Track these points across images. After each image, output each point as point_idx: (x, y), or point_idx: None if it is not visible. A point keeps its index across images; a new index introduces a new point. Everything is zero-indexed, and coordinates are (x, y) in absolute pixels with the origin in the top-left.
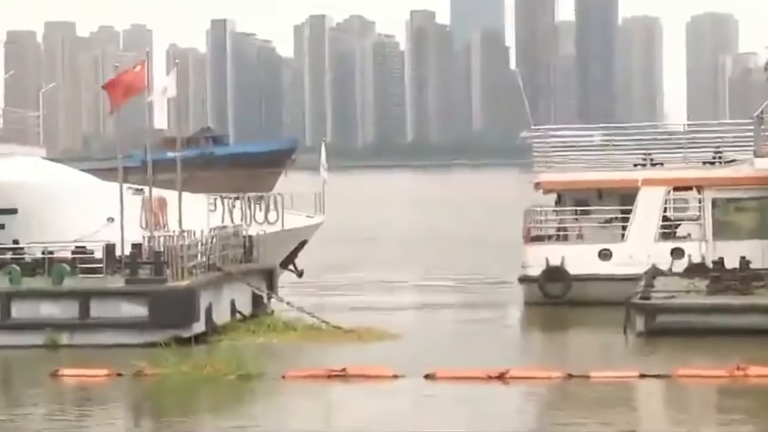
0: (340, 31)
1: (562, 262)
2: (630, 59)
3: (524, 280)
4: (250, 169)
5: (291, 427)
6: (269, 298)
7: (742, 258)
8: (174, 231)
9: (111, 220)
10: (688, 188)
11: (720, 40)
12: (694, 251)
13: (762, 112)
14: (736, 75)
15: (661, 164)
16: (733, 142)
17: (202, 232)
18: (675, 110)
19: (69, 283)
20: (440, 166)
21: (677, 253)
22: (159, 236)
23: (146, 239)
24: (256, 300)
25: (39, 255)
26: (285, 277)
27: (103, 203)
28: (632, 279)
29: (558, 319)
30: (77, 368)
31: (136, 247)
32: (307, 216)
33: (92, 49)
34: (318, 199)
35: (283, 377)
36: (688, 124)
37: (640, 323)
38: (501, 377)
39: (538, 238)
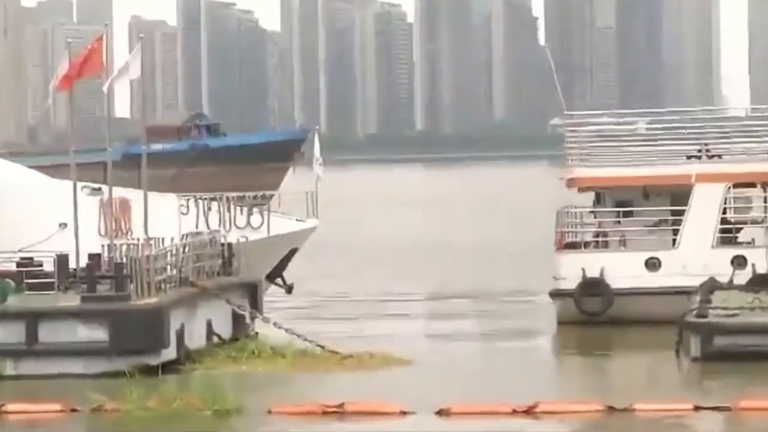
0: (336, 0)
1: (602, 274)
2: (681, 33)
3: (557, 294)
4: (252, 164)
5: None
6: (253, 317)
7: None
8: (138, 238)
9: (63, 225)
10: (752, 185)
11: None
12: (758, 260)
13: None
14: None
15: (719, 157)
16: None
17: (172, 239)
18: (735, 93)
19: (13, 301)
20: (455, 160)
21: (739, 261)
22: (121, 245)
23: (105, 248)
24: (238, 320)
25: None
26: (272, 293)
27: (55, 206)
28: (685, 293)
29: (597, 341)
30: (24, 403)
31: (94, 258)
32: (298, 220)
33: (40, 22)
34: (311, 199)
35: (269, 413)
36: (751, 109)
37: (695, 346)
38: (529, 411)
39: (573, 245)
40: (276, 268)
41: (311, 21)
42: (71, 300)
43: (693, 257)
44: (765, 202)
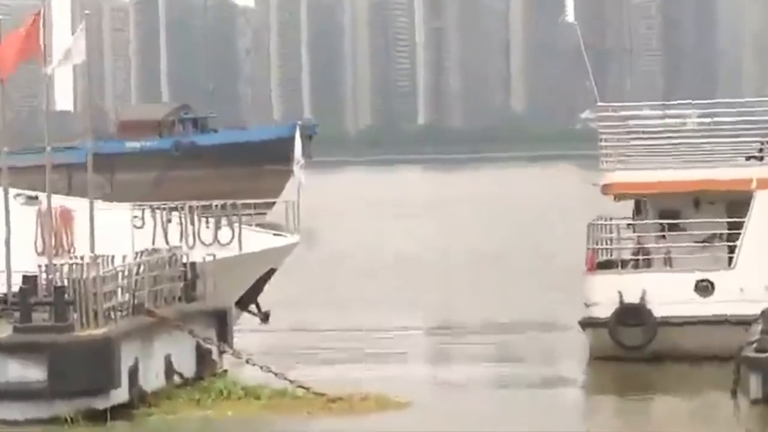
0: None
1: (643, 299)
2: (739, 9)
3: (588, 324)
4: (248, 166)
5: None
6: (221, 352)
7: None
8: (83, 257)
9: None
10: None
11: None
12: None
13: None
14: None
15: None
16: None
17: (124, 258)
18: None
19: None
20: (464, 161)
21: None
22: (62, 264)
23: (43, 269)
24: (203, 356)
25: None
26: (245, 322)
27: None
28: (744, 323)
29: (637, 380)
30: None
31: (29, 280)
32: (276, 234)
33: None
34: (291, 209)
35: None
36: None
37: (755, 385)
38: None
39: (608, 265)
40: (249, 293)
41: None
42: (1, 331)
43: (753, 279)
44: None
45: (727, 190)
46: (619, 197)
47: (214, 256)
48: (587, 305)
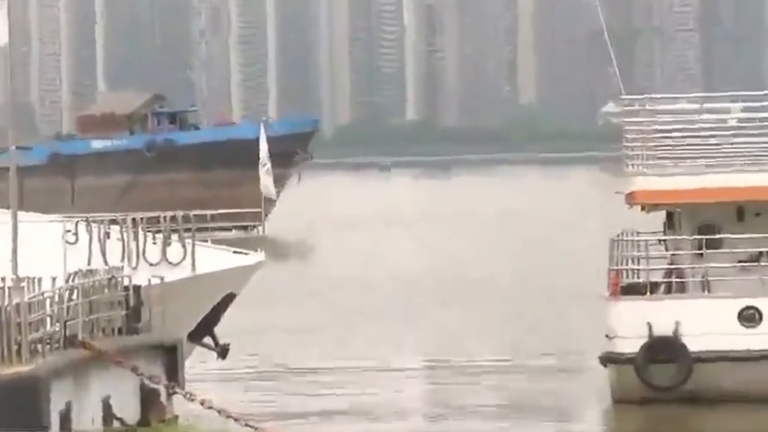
0: None
1: (676, 331)
2: None
3: (611, 360)
4: (237, 169)
5: None
6: (170, 393)
7: None
8: (4, 279)
9: None
10: None
11: None
12: None
13: None
14: None
15: None
16: None
17: (53, 281)
18: None
19: None
20: (462, 165)
21: None
22: None
23: None
24: (148, 397)
25: None
26: (199, 357)
27: None
28: None
29: (669, 427)
30: None
31: None
32: (236, 252)
33: None
34: (257, 221)
35: None
36: None
37: None
38: None
39: (634, 289)
40: (204, 323)
41: None
42: None
43: None
44: None
45: None
46: (647, 208)
47: (162, 278)
48: (609, 338)
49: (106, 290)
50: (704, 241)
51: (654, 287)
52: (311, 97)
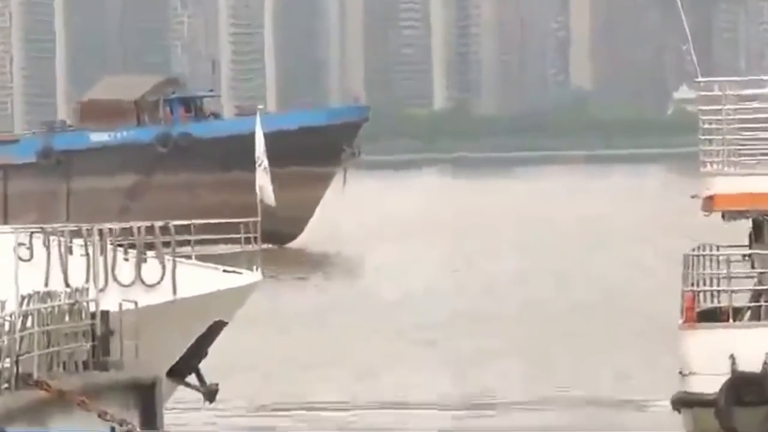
0: None
1: (766, 366)
2: None
3: (687, 402)
4: (271, 167)
5: None
6: None
7: None
8: None
9: None
10: None
11: None
12: None
13: None
14: None
15: None
16: None
17: (2, 305)
18: None
19: None
20: (500, 163)
21: None
22: None
23: None
24: None
25: None
26: (181, 399)
27: None
28: None
29: None
30: None
31: None
32: (226, 270)
33: None
34: (251, 231)
35: None
36: None
37: None
38: None
39: (714, 315)
40: (187, 357)
41: None
42: None
43: None
44: None
45: None
46: (729, 215)
47: (136, 303)
48: (684, 375)
49: (68, 317)
50: None
51: (738, 313)
52: (316, 84)
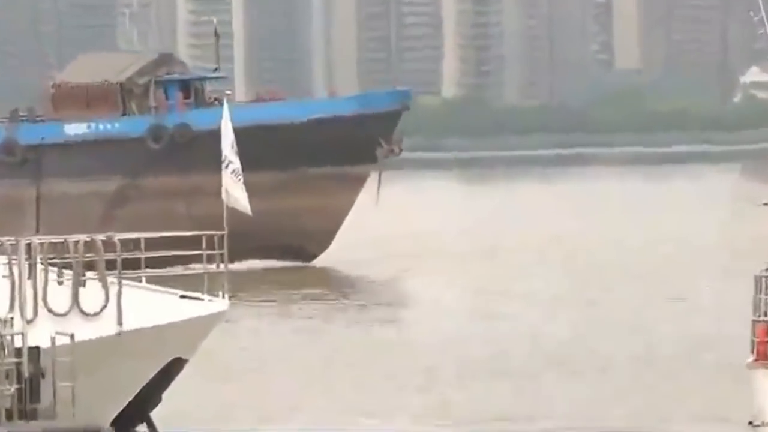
0: None
1: None
2: None
3: None
4: (288, 168)
5: None
6: None
7: None
8: None
9: None
10: None
11: None
12: None
13: None
14: None
15: None
16: None
17: None
18: None
19: None
20: (522, 163)
21: None
22: None
23: None
24: None
25: None
26: None
27: None
28: None
29: None
30: None
31: None
32: (185, 297)
33: None
34: (216, 247)
35: None
36: None
37: None
38: None
39: None
40: (137, 403)
41: None
42: None
43: None
44: None
45: None
46: None
47: (73, 336)
48: (755, 425)
49: None
50: None
51: None
52: (300, 71)
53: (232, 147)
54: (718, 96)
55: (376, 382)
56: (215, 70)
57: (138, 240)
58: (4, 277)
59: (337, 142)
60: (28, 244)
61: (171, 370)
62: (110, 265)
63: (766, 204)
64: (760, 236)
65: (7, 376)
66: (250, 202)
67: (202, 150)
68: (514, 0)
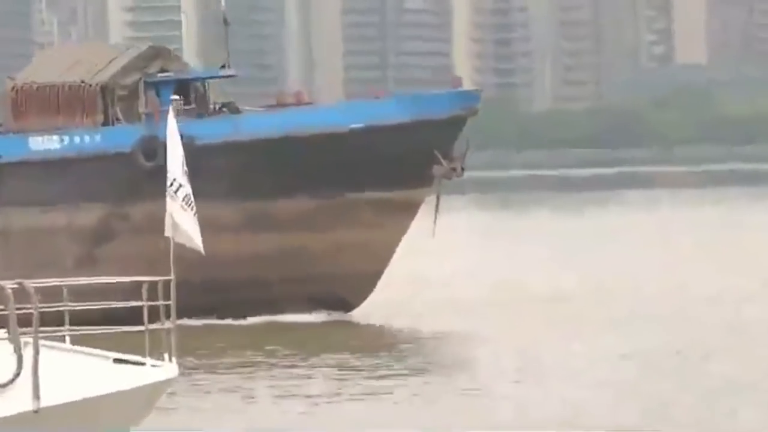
0: None
1: None
2: None
3: None
4: (328, 193)
5: None
6: None
7: None
8: None
9: None
10: None
11: None
12: None
13: None
14: None
15: None
16: None
17: None
18: None
19: None
20: (537, 185)
21: None
22: None
23: None
24: None
25: None
26: None
27: None
28: None
29: None
30: None
31: None
32: (119, 361)
33: None
34: (162, 295)
35: None
36: None
37: None
38: None
39: None
40: None
41: None
42: None
43: None
44: None
45: None
46: None
47: None
48: None
49: None
50: None
51: None
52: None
53: (182, 166)
54: None
55: None
56: (222, 67)
57: (59, 287)
58: None
59: (383, 159)
60: None
61: None
62: (25, 321)
63: None
64: None
65: None
66: (274, 236)
67: (207, 168)
68: None
